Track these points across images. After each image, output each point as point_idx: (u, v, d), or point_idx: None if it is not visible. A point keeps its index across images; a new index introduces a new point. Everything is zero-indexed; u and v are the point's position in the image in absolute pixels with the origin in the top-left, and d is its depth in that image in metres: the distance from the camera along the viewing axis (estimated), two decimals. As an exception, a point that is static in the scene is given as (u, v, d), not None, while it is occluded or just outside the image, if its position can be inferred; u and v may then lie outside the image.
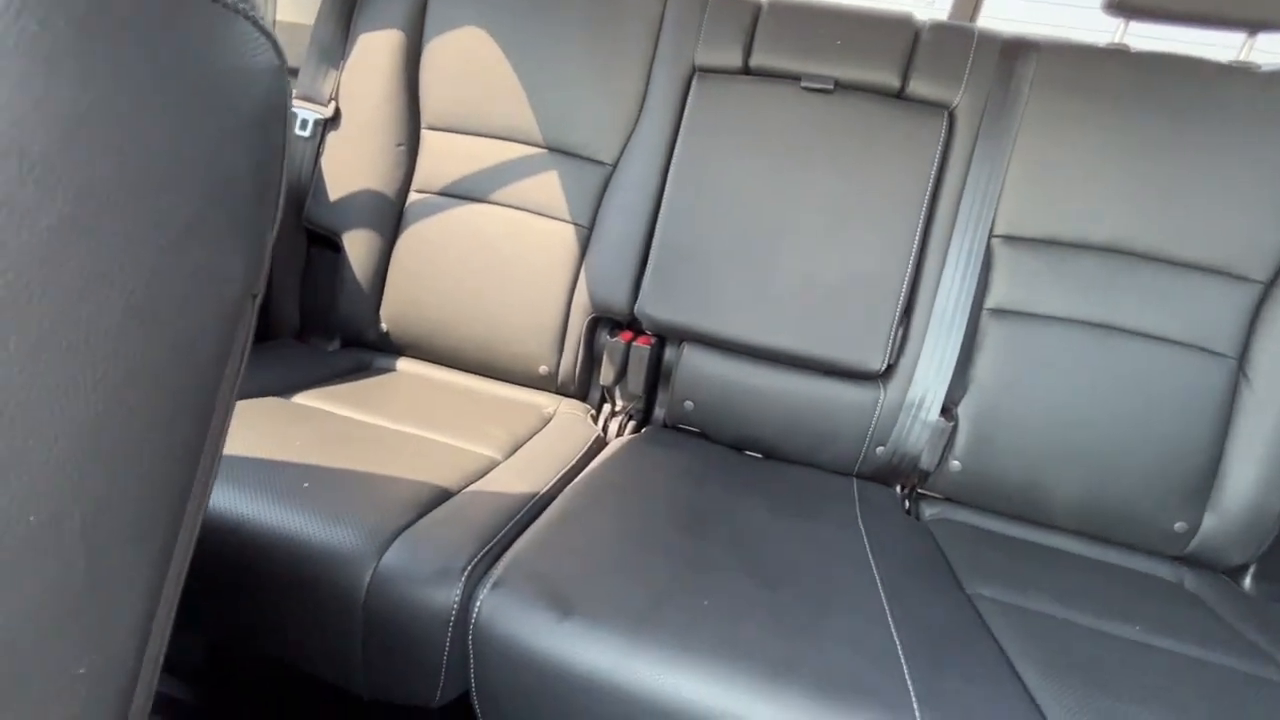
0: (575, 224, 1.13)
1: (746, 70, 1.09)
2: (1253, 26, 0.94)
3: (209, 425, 0.31)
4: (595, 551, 0.71)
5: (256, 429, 0.82)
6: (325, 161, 1.18)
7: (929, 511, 1.07)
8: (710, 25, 1.09)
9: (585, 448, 1.03)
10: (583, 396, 1.20)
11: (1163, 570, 0.99)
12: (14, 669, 0.24)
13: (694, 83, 1.10)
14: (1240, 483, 0.95)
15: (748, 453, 1.13)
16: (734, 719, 0.55)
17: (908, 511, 1.07)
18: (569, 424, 1.10)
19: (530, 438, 1.02)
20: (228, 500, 0.67)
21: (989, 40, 1.04)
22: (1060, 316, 1.00)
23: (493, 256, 1.15)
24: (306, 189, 1.18)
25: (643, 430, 1.14)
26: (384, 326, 1.21)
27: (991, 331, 1.02)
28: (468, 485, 0.81)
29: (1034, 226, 1.01)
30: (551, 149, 1.15)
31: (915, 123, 1.04)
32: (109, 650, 0.29)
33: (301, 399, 0.98)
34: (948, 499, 1.08)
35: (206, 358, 0.30)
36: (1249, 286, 0.96)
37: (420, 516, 0.71)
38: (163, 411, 0.28)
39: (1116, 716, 0.61)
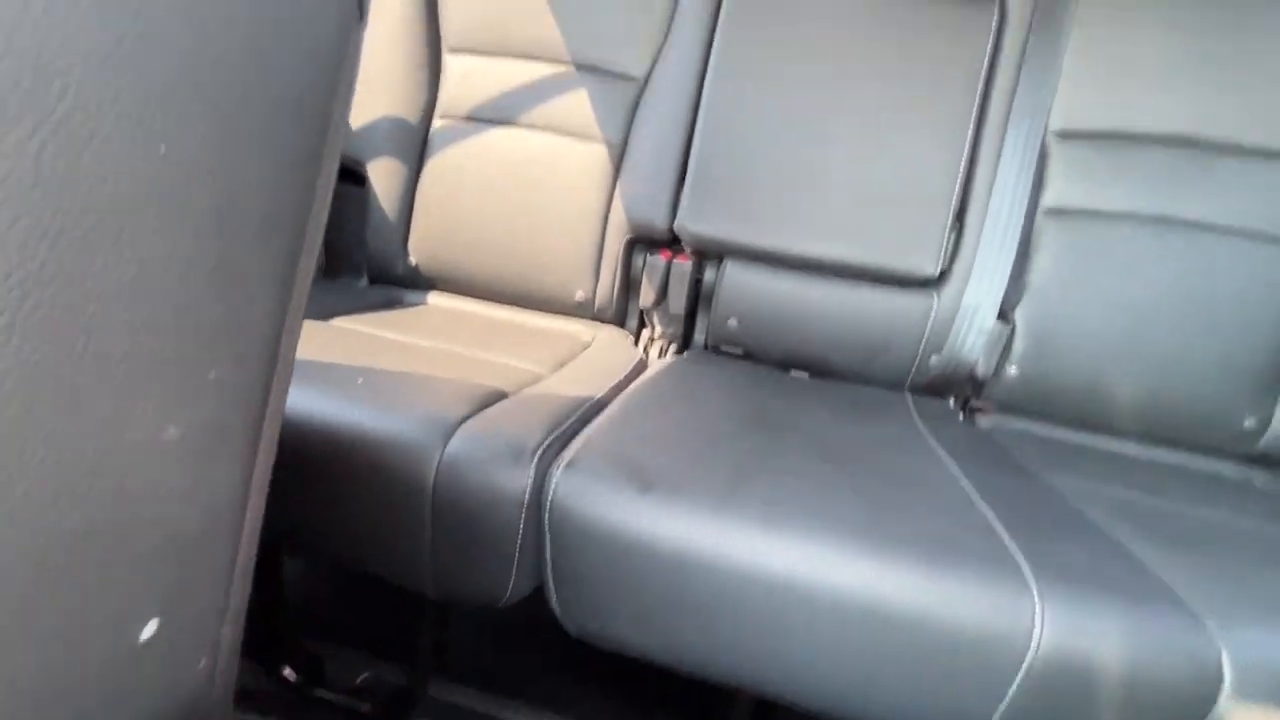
0: (608, 142, 1.09)
1: None
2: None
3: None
4: (668, 438, 0.68)
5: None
6: None
7: (985, 423, 1.04)
8: None
9: (627, 370, 1.00)
10: (620, 322, 1.17)
11: (1229, 471, 0.96)
12: None
13: None
14: None
15: (795, 373, 1.10)
16: (832, 585, 0.52)
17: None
18: (610, 348, 1.06)
19: (573, 359, 0.99)
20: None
21: None
22: (1121, 212, 0.96)
23: (523, 181, 1.12)
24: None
25: (684, 354, 1.11)
26: (413, 260, 1.17)
27: (1049, 232, 0.98)
28: (521, 390, 0.78)
29: (1093, 120, 0.97)
30: (579, 66, 1.11)
31: (966, 14, 0.99)
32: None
33: (340, 322, 0.95)
34: (1004, 410, 1.05)
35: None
36: None
37: (481, 409, 0.68)
38: None
39: (1248, 582, 0.58)
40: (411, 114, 1.14)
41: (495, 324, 1.11)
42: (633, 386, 0.86)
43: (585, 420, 0.72)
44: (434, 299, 1.18)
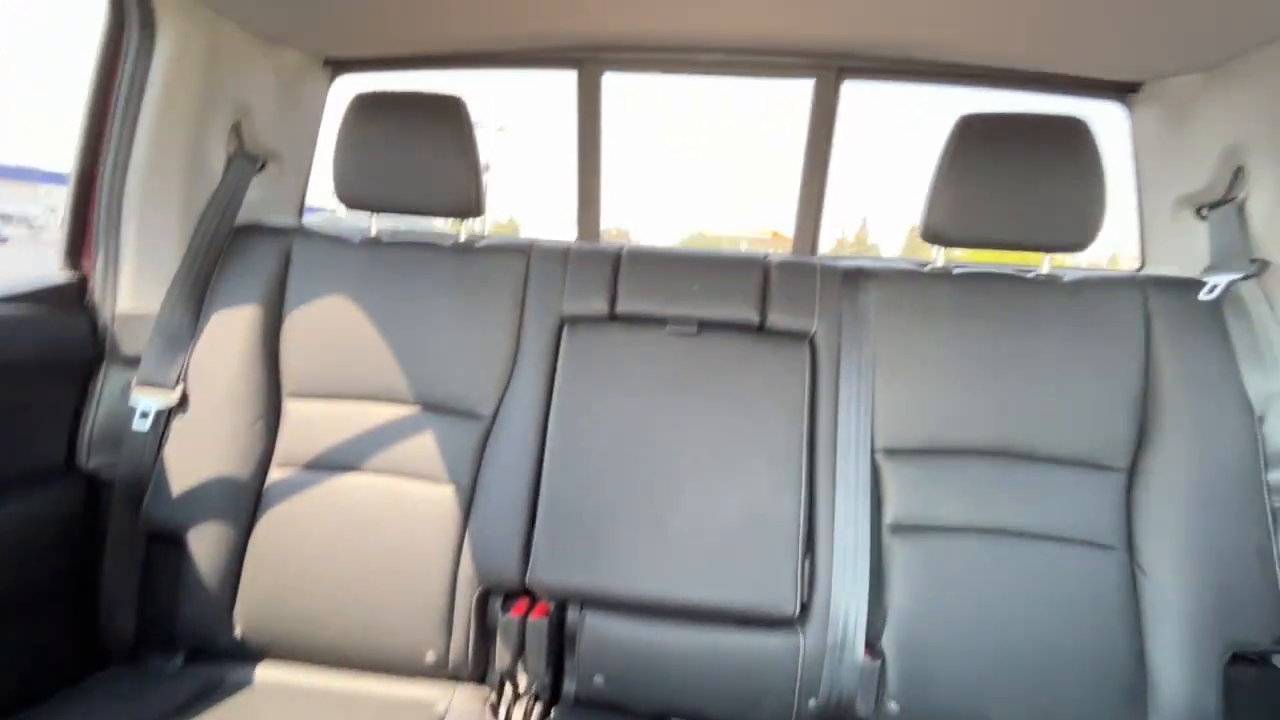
0: (455, 484, 1.06)
1: (613, 317, 1.12)
2: (1045, 249, 1.07)
3: None
4: None
5: None
6: (169, 452, 1.06)
7: None
8: (573, 278, 1.13)
9: None
10: (480, 679, 1.05)
11: None
12: None
13: (564, 332, 1.11)
14: (1171, 684, 0.92)
15: None
16: None
17: None
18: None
19: None
20: None
21: (831, 271, 1.12)
22: (956, 526, 1.00)
23: (366, 532, 1.05)
24: (145, 486, 1.05)
25: (551, 713, 1.00)
26: (238, 631, 1.04)
27: (896, 551, 1.00)
28: None
29: (911, 438, 1.04)
30: (425, 406, 1.10)
31: (781, 353, 1.08)
32: None
33: None
34: None
35: None
36: (1113, 474, 1.00)
37: None
38: None
39: None
40: (244, 469, 1.07)
41: (330, 705, 0.97)
42: None
43: None
44: (262, 674, 1.03)
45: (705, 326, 1.09)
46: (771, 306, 1.10)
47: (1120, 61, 1.14)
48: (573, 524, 1.01)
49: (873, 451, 1.04)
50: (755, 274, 1.12)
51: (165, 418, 1.08)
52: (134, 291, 1.10)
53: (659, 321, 1.10)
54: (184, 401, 1.08)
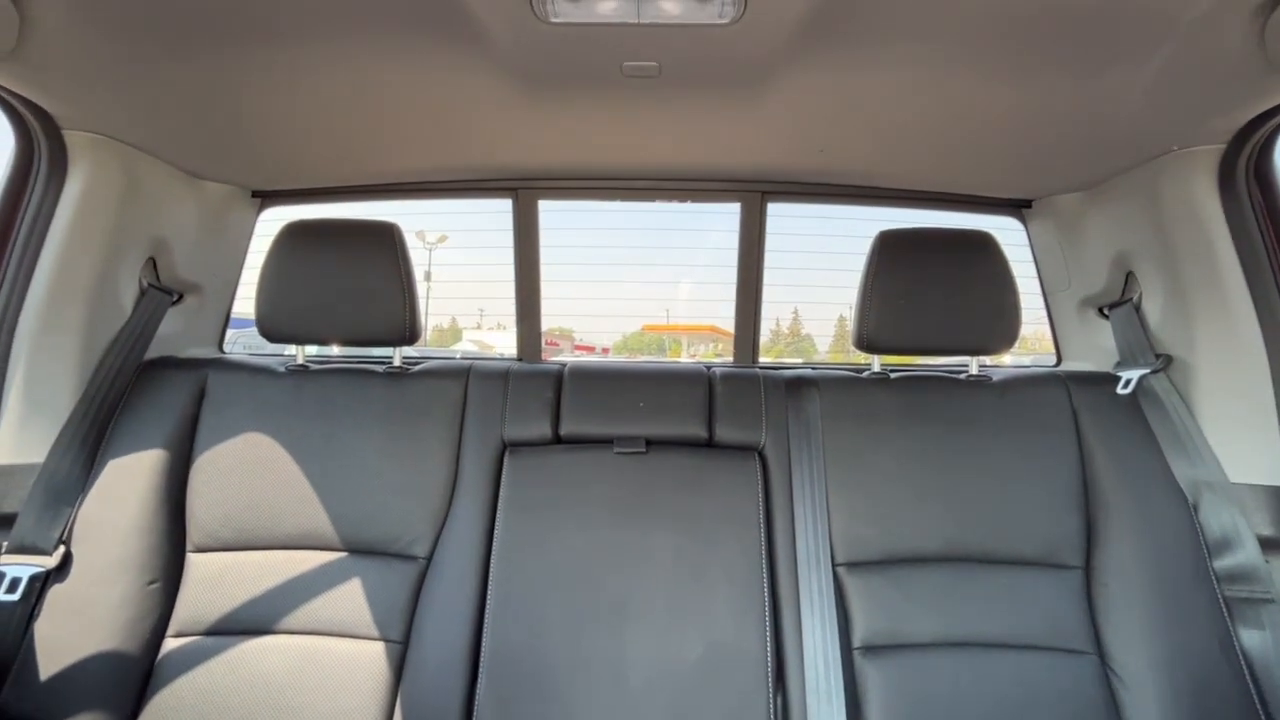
0: (386, 640, 0.94)
1: (558, 439, 1.08)
2: (970, 352, 1.12)
3: None
4: None
5: None
6: (40, 627, 0.91)
7: None
8: (514, 400, 1.09)
9: None
10: None
11: None
12: None
13: (506, 459, 1.05)
14: None
15: None
16: None
17: None
18: None
19: None
20: None
21: (774, 381, 1.13)
22: (926, 642, 0.95)
23: (280, 708, 0.90)
24: (6, 670, 0.89)
25: None
26: None
27: (869, 676, 0.94)
28: None
29: (869, 549, 1.01)
30: (352, 550, 1.00)
31: (731, 467, 1.05)
32: None
33: None
34: None
35: None
36: (1070, 573, 0.99)
37: None
38: None
39: None
40: (132, 641, 0.92)
41: None
42: None
43: None
44: None
45: (653, 444, 1.06)
46: (719, 420, 1.09)
47: (1013, 181, 1.26)
48: (520, 679, 0.91)
49: (834, 565, 1.00)
50: (700, 388, 1.11)
51: (40, 587, 0.93)
52: (15, 442, 0.98)
53: (605, 442, 1.06)
54: (64, 566, 0.94)
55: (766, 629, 0.94)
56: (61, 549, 0.94)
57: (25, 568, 0.92)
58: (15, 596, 0.91)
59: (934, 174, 1.24)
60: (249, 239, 1.34)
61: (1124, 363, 1.12)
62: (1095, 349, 1.24)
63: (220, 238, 1.28)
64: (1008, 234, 1.28)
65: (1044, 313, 1.38)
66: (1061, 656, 0.95)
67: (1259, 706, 0.89)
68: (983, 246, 1.10)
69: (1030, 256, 1.36)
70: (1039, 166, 1.15)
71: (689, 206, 1.41)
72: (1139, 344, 1.11)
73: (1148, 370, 1.07)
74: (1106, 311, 1.21)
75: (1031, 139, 1.03)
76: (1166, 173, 1.02)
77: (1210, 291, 0.99)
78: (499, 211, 1.41)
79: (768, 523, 1.02)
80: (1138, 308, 1.14)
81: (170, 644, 0.94)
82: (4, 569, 0.92)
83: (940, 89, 0.89)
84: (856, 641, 0.96)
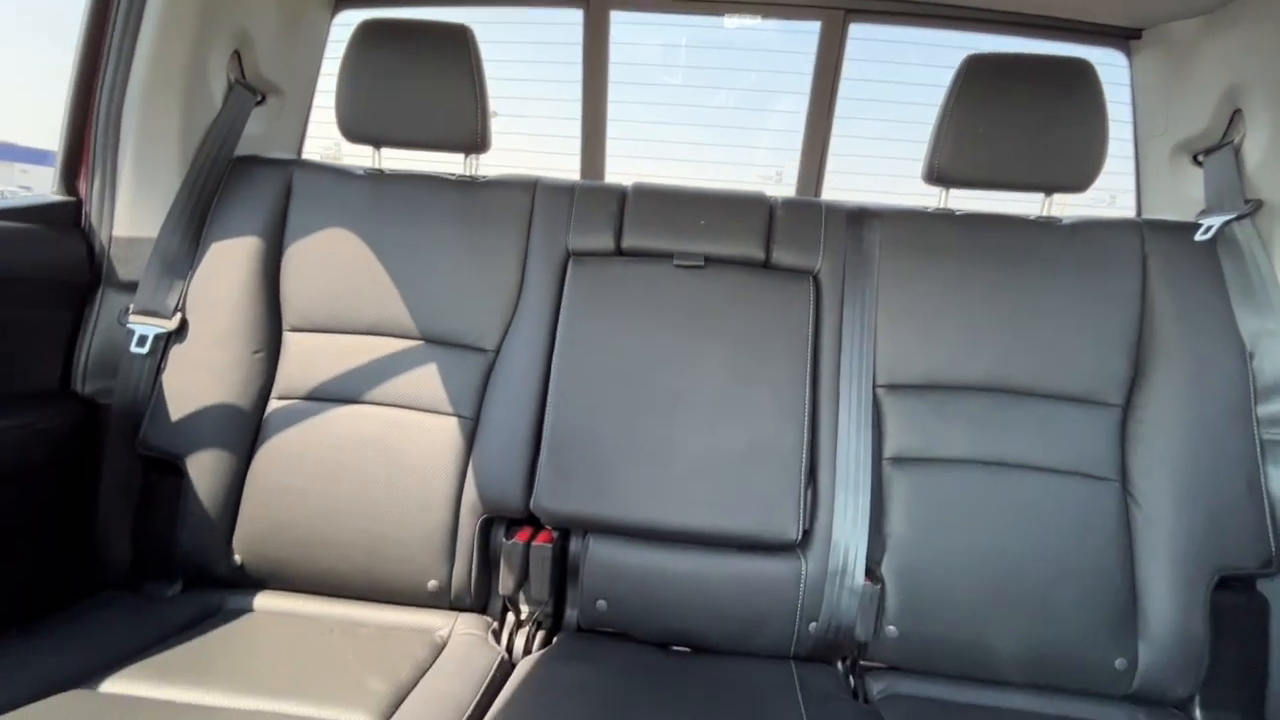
0: (459, 416, 1.06)
1: (619, 252, 1.12)
2: (1047, 189, 1.08)
3: None
4: None
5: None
6: (167, 378, 1.05)
7: (876, 687, 0.98)
8: (579, 213, 1.12)
9: (486, 680, 0.88)
10: (482, 608, 1.06)
11: (1117, 715, 0.94)
12: None
13: (570, 267, 1.11)
14: (1160, 609, 0.94)
15: (675, 648, 1.01)
16: None
17: (853, 691, 0.98)
18: (465, 651, 0.94)
19: (418, 681, 0.86)
20: None
21: (835, 211, 1.13)
22: (955, 458, 1.01)
23: (368, 461, 1.04)
24: (142, 411, 1.04)
25: (554, 640, 1.00)
26: (238, 558, 1.03)
27: (896, 482, 1.01)
28: None
29: (911, 373, 1.05)
30: (428, 340, 1.09)
31: (785, 289, 1.08)
32: None
33: (114, 684, 0.78)
34: (892, 667, 1.00)
35: None
36: (1110, 410, 1.02)
37: None
38: None
39: None
40: (244, 398, 1.06)
41: (331, 631, 0.97)
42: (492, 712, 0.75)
43: None
44: (262, 601, 1.03)
45: (711, 261, 1.09)
46: (776, 244, 1.10)
47: (1122, 7, 1.15)
48: (577, 453, 1.02)
49: (874, 386, 1.05)
50: (761, 212, 1.12)
51: (163, 344, 1.06)
52: (131, 216, 1.08)
53: (665, 256, 1.10)
54: (182, 329, 1.07)
55: (804, 433, 1.01)
56: (179, 315, 1.07)
57: (150, 328, 1.05)
58: (144, 351, 1.05)
59: None
60: (324, 42, 1.36)
61: (1209, 210, 1.07)
62: (1181, 200, 1.18)
63: (298, 39, 1.30)
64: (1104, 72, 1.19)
65: (1120, 167, 1.30)
66: (1084, 480, 0.99)
67: (1273, 547, 0.93)
68: (1079, 75, 1.03)
69: (1126, 99, 1.26)
70: None
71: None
72: (1231, 189, 1.05)
73: (1234, 216, 1.02)
74: (1201, 158, 1.14)
75: None
76: None
77: None
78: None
79: (815, 342, 1.06)
80: (1237, 150, 1.07)
81: (275, 404, 1.08)
82: (134, 327, 1.05)
83: None
84: (887, 453, 1.03)
